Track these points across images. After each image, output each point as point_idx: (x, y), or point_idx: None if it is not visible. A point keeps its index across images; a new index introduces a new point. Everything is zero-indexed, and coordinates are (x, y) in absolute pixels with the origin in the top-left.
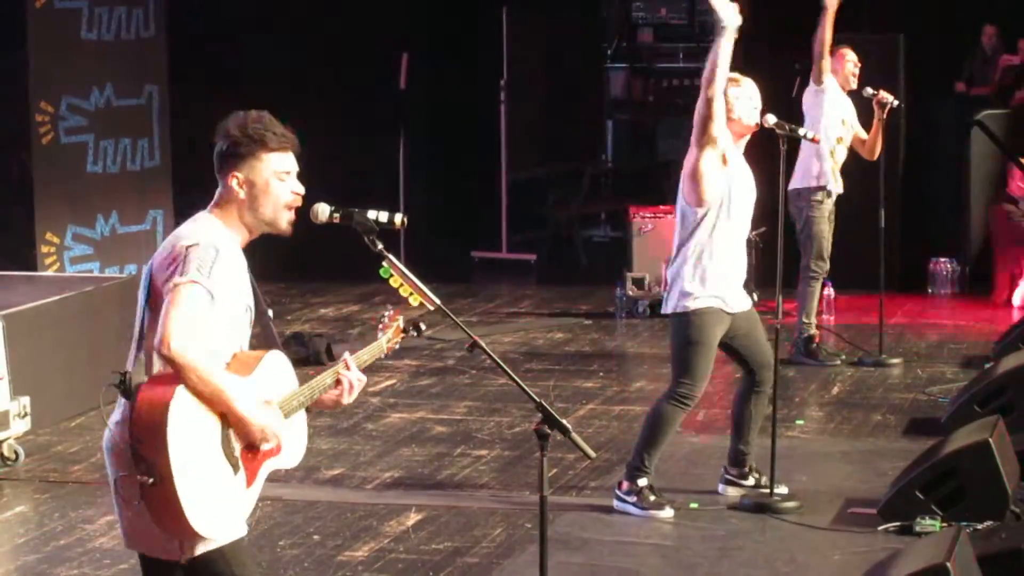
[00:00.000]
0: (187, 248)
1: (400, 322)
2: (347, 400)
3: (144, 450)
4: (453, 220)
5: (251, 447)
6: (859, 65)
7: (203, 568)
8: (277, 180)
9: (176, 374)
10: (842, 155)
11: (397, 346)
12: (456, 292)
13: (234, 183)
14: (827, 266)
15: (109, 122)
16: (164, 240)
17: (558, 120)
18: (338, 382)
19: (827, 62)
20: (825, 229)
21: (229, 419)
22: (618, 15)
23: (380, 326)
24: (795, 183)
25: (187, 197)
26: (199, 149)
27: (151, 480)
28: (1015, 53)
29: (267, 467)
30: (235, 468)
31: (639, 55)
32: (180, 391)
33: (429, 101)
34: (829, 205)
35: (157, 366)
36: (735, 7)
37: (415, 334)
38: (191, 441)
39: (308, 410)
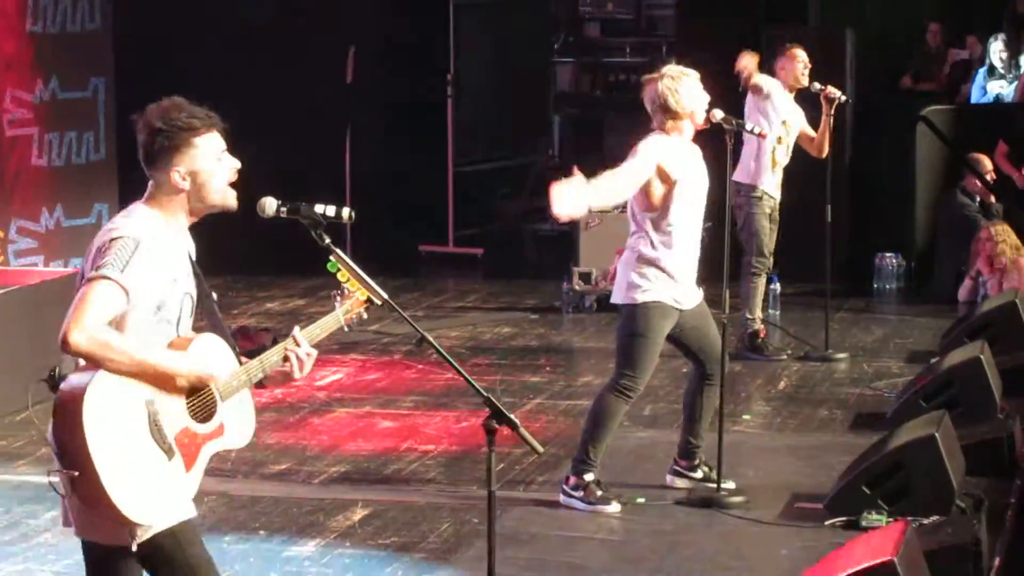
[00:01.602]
0: (110, 241)
1: (360, 294)
2: (298, 375)
3: (65, 444)
4: (399, 214)
5: (190, 429)
6: (809, 66)
7: (155, 550)
8: (217, 162)
9: (91, 366)
10: (782, 157)
11: (363, 317)
12: (402, 286)
13: (176, 176)
14: (769, 261)
15: (54, 115)
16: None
17: (505, 114)
18: (286, 358)
19: (756, 83)
20: (765, 226)
21: (157, 381)
22: (565, 9)
23: (337, 296)
24: (735, 177)
25: (132, 191)
26: None
27: (76, 473)
28: (963, 47)
29: (209, 449)
30: (168, 453)
31: (586, 49)
32: (95, 380)
33: (375, 95)
34: (768, 203)
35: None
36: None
37: (377, 304)
38: (111, 431)
39: (261, 386)
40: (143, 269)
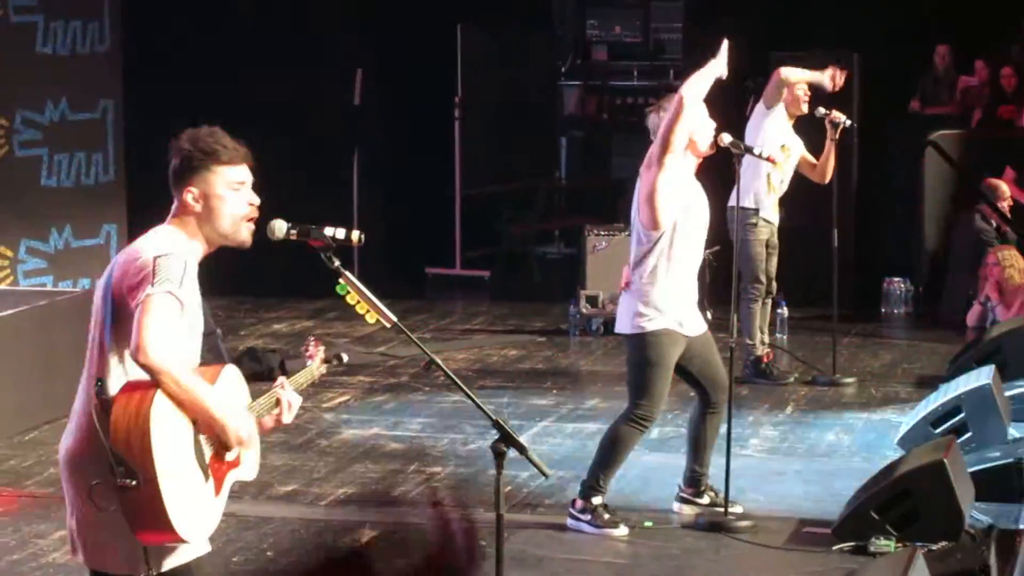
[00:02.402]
0: (155, 259)
1: (322, 352)
2: (287, 419)
3: (127, 454)
4: (407, 236)
5: (218, 455)
6: (810, 94)
7: None
8: (231, 191)
9: (153, 381)
10: (778, 179)
11: (323, 371)
12: (410, 308)
13: (189, 197)
14: (764, 287)
15: (64, 136)
16: (120, 253)
17: (512, 137)
18: (278, 402)
19: (786, 93)
20: (760, 252)
21: (202, 424)
22: (573, 33)
23: (306, 353)
24: (731, 200)
25: (141, 212)
26: (153, 164)
27: (133, 482)
28: (971, 73)
29: (231, 478)
30: (206, 475)
31: (593, 73)
32: (159, 395)
33: (383, 117)
34: (765, 230)
35: (118, 375)
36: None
37: (336, 363)
38: (171, 444)
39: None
40: (189, 288)
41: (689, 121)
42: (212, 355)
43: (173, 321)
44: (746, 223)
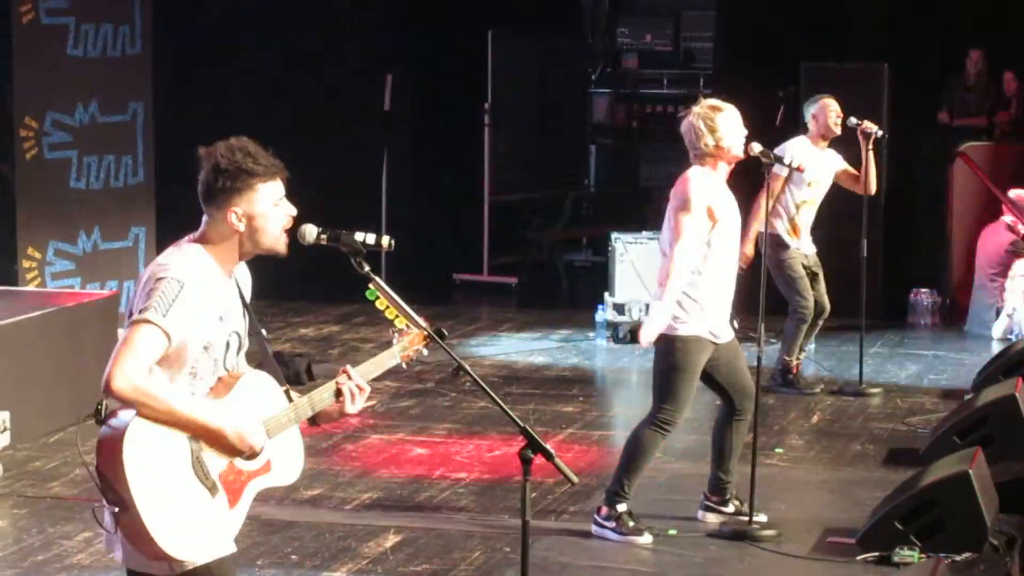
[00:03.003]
0: (156, 281)
1: (422, 330)
2: (351, 409)
3: (108, 480)
4: (435, 242)
5: (235, 466)
6: (841, 116)
7: None
8: (274, 208)
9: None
10: (806, 216)
11: (422, 354)
12: (437, 314)
13: (232, 217)
14: (811, 305)
15: (93, 138)
16: (148, 259)
17: (541, 144)
18: (339, 392)
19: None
20: (798, 270)
21: (203, 437)
22: (603, 40)
23: (396, 332)
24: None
25: (170, 215)
26: (183, 167)
27: (116, 509)
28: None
29: (255, 485)
30: (212, 491)
31: (623, 81)
32: (135, 422)
33: (413, 123)
34: (798, 254)
35: None
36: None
37: (439, 339)
38: (153, 469)
39: (315, 423)
40: (187, 312)
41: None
42: (259, 354)
43: (150, 349)
44: (776, 247)
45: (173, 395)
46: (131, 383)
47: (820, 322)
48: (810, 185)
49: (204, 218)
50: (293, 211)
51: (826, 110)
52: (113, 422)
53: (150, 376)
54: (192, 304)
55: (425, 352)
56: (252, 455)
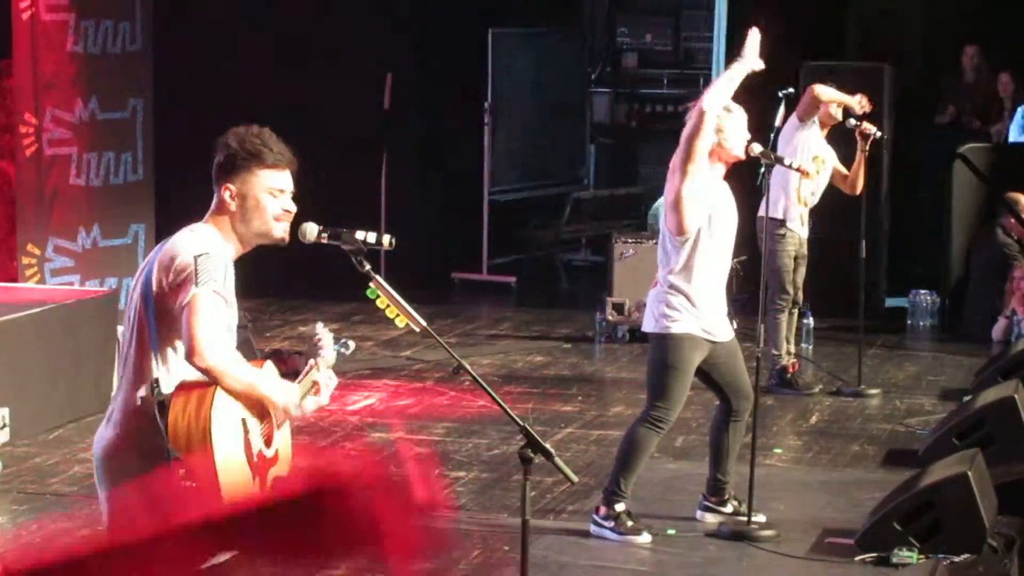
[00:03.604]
0: (196, 258)
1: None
2: (325, 399)
3: (187, 456)
4: (434, 241)
5: (262, 452)
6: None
7: None
8: (269, 196)
9: (209, 380)
10: (809, 190)
11: (334, 354)
12: (436, 313)
13: (227, 194)
14: (791, 297)
15: (93, 135)
16: (153, 251)
17: (541, 143)
18: (315, 384)
19: (822, 107)
20: (787, 263)
21: (262, 410)
22: (603, 40)
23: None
24: (761, 211)
25: (169, 212)
26: (182, 164)
27: (191, 484)
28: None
29: (271, 474)
30: (252, 471)
31: (623, 80)
32: (218, 397)
33: (412, 121)
34: (793, 241)
35: (163, 374)
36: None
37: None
38: (229, 445)
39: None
40: (230, 285)
41: (710, 131)
42: (244, 348)
43: (221, 317)
44: (774, 234)
45: (244, 365)
46: (218, 355)
47: (794, 312)
48: (815, 159)
49: (213, 200)
50: (292, 208)
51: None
52: (187, 398)
53: (232, 351)
54: (229, 282)
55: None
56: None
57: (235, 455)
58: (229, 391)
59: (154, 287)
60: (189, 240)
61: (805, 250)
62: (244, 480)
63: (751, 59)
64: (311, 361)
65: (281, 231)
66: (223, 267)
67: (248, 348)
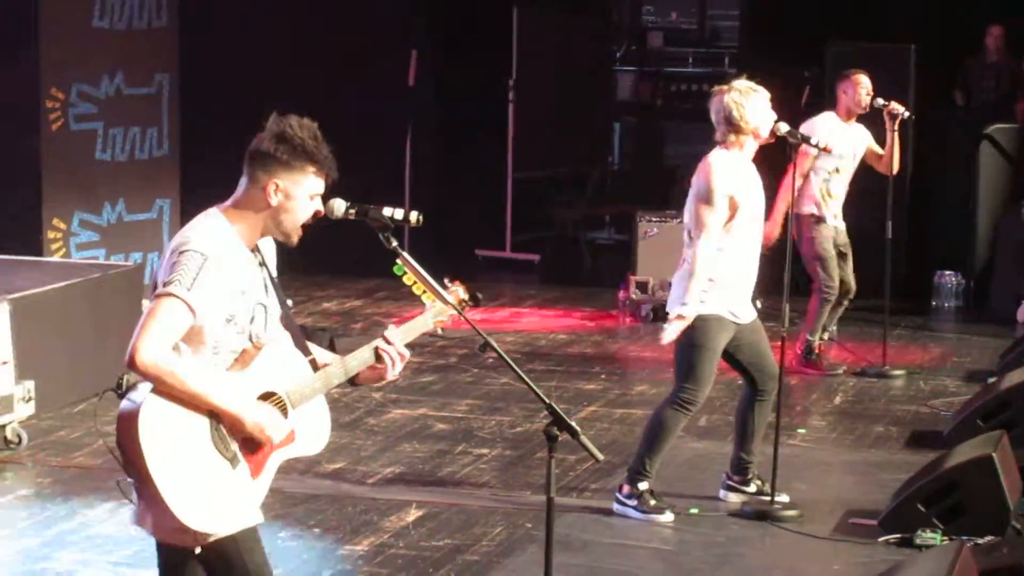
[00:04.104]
0: (179, 254)
1: (460, 291)
2: (391, 374)
3: (125, 453)
4: (458, 218)
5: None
6: (871, 92)
7: (216, 554)
8: (308, 200)
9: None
10: (838, 186)
11: (447, 323)
12: None
13: (271, 188)
14: (836, 287)
15: (119, 110)
16: (172, 231)
17: (565, 121)
18: (379, 358)
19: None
20: (828, 248)
21: (221, 417)
22: (628, 18)
23: (427, 302)
24: (794, 202)
25: (194, 187)
26: (208, 139)
27: (134, 481)
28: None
29: (279, 455)
30: (232, 462)
31: (648, 58)
32: (150, 397)
33: (437, 99)
34: (829, 229)
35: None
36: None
37: (472, 304)
38: (169, 442)
39: (354, 383)
40: (210, 284)
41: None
42: (286, 329)
43: (174, 323)
44: (810, 224)
45: (194, 374)
46: (154, 358)
47: (845, 303)
48: (841, 157)
49: (242, 181)
50: (322, 211)
51: (857, 86)
52: (132, 395)
53: (174, 353)
54: (215, 277)
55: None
56: (272, 394)
57: (186, 449)
58: (169, 397)
59: (158, 276)
60: (190, 230)
61: (846, 239)
62: (206, 472)
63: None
64: (389, 329)
65: (297, 238)
66: (199, 266)
67: (290, 326)
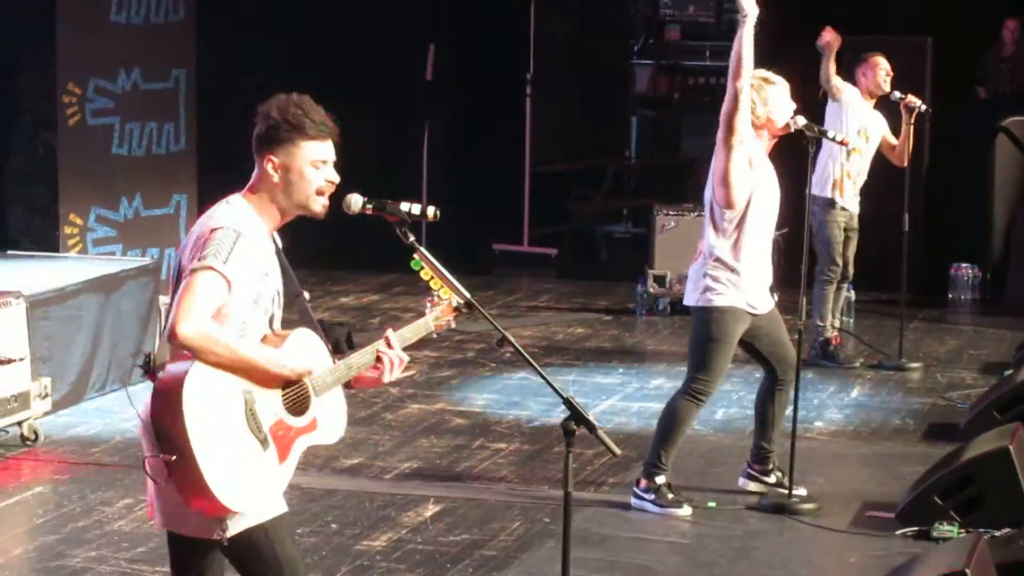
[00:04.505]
0: (211, 231)
1: (452, 300)
2: (388, 378)
3: (164, 427)
4: (475, 212)
5: (284, 421)
6: (891, 73)
7: (244, 544)
8: (312, 168)
9: (192, 355)
10: (858, 166)
11: (451, 324)
12: (477, 284)
13: (269, 166)
14: (839, 269)
15: (136, 105)
16: (189, 226)
17: (583, 115)
18: (379, 359)
19: (834, 84)
20: (837, 234)
21: (262, 380)
22: (646, 11)
23: (429, 302)
24: (811, 188)
25: (212, 182)
26: (224, 134)
27: (173, 457)
28: None
29: (302, 442)
30: (263, 444)
31: (666, 52)
32: (195, 367)
33: (455, 92)
34: (844, 214)
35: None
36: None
37: (467, 311)
38: (210, 417)
39: (349, 387)
40: (243, 261)
41: (746, 105)
42: (300, 318)
43: (212, 295)
44: (824, 206)
45: (240, 340)
46: (198, 329)
47: (843, 286)
48: (859, 134)
49: (255, 171)
50: (335, 179)
51: (876, 67)
52: (171, 369)
53: (213, 322)
54: (247, 254)
55: (453, 324)
56: (303, 407)
57: (223, 428)
58: (216, 364)
59: (182, 260)
60: (218, 212)
61: (856, 224)
62: (241, 451)
63: (751, 10)
64: (387, 333)
65: (320, 206)
66: (232, 241)
67: (304, 316)
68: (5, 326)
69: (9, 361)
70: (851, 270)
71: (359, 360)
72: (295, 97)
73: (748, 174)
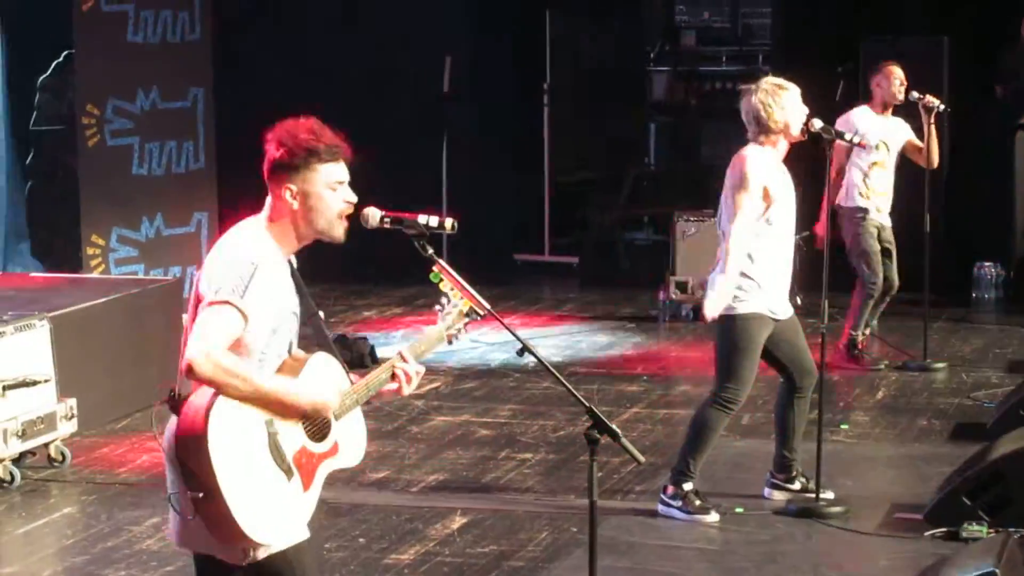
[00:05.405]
0: (228, 263)
1: (463, 306)
2: (407, 391)
3: (190, 465)
4: (495, 223)
5: (307, 448)
6: (905, 83)
7: (266, 571)
8: (330, 191)
9: (214, 389)
10: (880, 180)
11: (461, 333)
12: (498, 295)
13: (287, 195)
14: (880, 283)
15: (155, 125)
16: (210, 245)
17: (601, 123)
18: (394, 375)
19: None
20: (873, 244)
21: (282, 413)
22: (661, 18)
23: (440, 311)
24: (838, 201)
25: (232, 199)
26: (244, 151)
27: (201, 494)
28: None
29: (325, 468)
30: (288, 474)
31: (682, 58)
32: (218, 403)
33: (472, 103)
34: (874, 223)
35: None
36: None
37: (478, 317)
38: (235, 452)
39: (368, 401)
40: (260, 293)
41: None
42: (315, 336)
43: (229, 330)
44: (854, 217)
45: (255, 372)
46: (215, 363)
47: (887, 299)
48: (877, 148)
49: (268, 198)
50: (353, 198)
51: (890, 77)
52: (194, 403)
53: (230, 354)
54: (264, 286)
55: (466, 332)
56: (324, 433)
57: (248, 461)
58: (237, 397)
59: (198, 288)
60: (232, 241)
61: (890, 236)
62: (267, 483)
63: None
64: (399, 350)
65: (342, 231)
66: (249, 275)
67: (320, 336)
68: (30, 348)
69: (35, 383)
70: (897, 283)
71: (376, 379)
72: (303, 122)
73: (759, 205)
